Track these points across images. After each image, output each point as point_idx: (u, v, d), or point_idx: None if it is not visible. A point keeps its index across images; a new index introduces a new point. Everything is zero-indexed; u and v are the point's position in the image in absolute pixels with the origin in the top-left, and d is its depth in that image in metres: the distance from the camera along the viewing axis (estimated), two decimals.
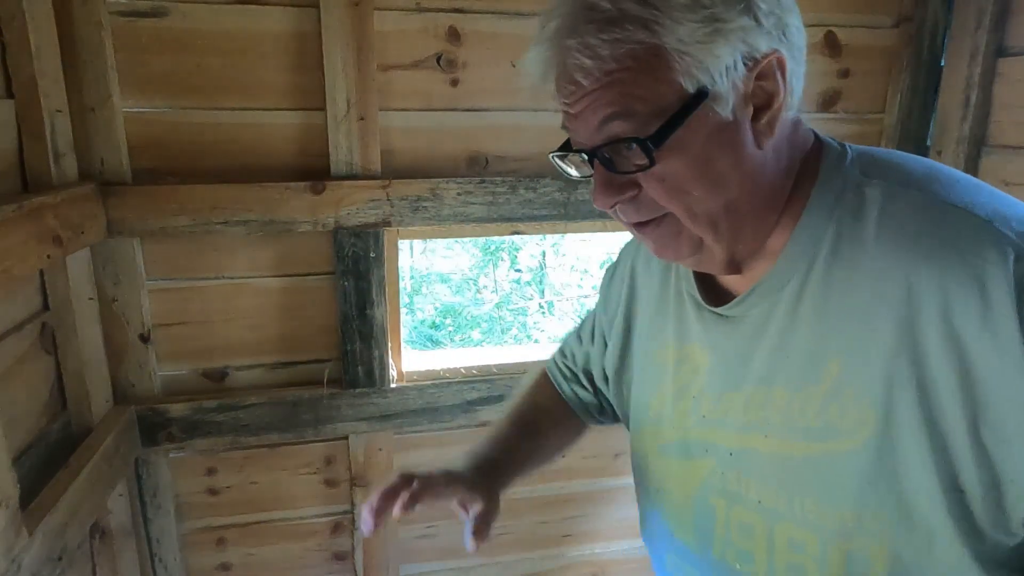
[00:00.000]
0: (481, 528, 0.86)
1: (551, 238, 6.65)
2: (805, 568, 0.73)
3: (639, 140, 0.64)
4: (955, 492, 0.63)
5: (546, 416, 1.10)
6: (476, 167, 1.62)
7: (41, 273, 1.29)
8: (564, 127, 0.74)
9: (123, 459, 1.46)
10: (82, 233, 1.29)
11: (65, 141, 1.30)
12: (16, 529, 1.02)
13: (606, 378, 1.03)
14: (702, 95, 0.64)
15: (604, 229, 1.76)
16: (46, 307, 1.31)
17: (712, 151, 0.66)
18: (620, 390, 1.00)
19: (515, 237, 6.22)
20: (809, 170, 0.73)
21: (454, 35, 1.53)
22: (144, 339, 1.52)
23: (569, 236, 6.67)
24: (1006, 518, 0.63)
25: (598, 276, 6.97)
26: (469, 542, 0.85)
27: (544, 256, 6.97)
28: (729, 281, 0.82)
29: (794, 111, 0.72)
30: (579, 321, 1.15)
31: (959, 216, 0.63)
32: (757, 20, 0.64)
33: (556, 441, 1.10)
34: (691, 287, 0.85)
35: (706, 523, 0.83)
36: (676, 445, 0.86)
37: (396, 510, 0.82)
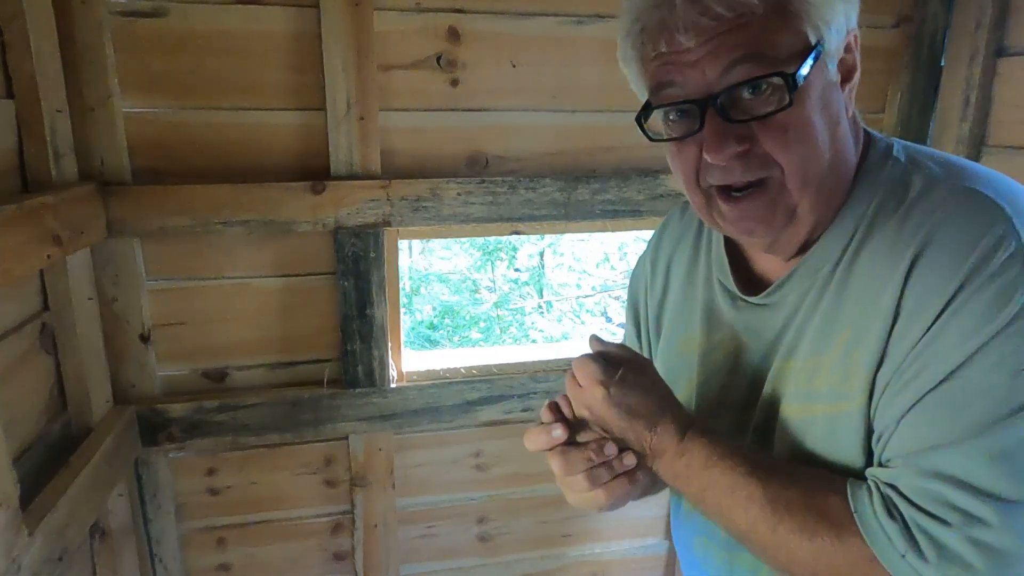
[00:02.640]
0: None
1: (549, 238, 6.65)
2: None
3: (784, 75, 0.65)
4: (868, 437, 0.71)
5: None
6: (476, 167, 1.62)
7: (41, 273, 1.29)
8: (657, 86, 0.72)
9: (123, 459, 1.46)
10: (82, 233, 1.29)
11: (65, 141, 1.30)
12: (16, 529, 1.02)
13: None
14: (819, 46, 0.67)
15: (604, 229, 1.76)
16: (46, 307, 1.31)
17: (824, 105, 0.69)
18: None
19: (513, 237, 6.23)
20: (860, 159, 0.76)
21: (454, 35, 1.53)
22: (144, 339, 1.52)
23: (567, 236, 6.67)
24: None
25: (597, 276, 6.98)
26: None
27: (542, 256, 6.97)
28: (766, 269, 0.84)
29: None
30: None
31: (983, 203, 0.66)
32: None
33: None
34: (726, 278, 0.87)
35: None
36: None
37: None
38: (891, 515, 0.64)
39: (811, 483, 0.71)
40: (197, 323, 1.56)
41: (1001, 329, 0.62)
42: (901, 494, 0.65)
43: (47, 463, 1.27)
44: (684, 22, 0.66)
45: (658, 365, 0.96)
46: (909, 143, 0.77)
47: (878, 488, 0.67)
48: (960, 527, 0.61)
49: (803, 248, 0.78)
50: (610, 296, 6.82)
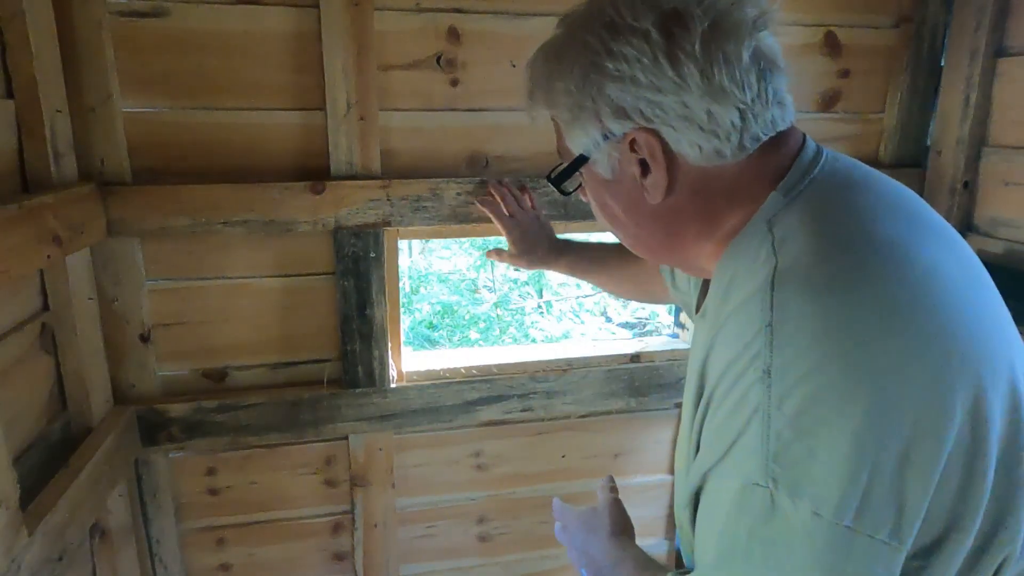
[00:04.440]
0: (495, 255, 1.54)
1: None
2: None
3: (549, 177, 0.86)
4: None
5: (628, 261, 1.40)
6: (476, 167, 1.62)
7: (41, 273, 1.29)
8: None
9: (123, 459, 1.46)
10: (82, 233, 1.29)
11: (65, 141, 1.30)
12: (16, 529, 1.02)
13: None
14: (583, 159, 0.81)
15: (604, 229, 1.75)
16: (46, 307, 1.31)
17: (605, 198, 0.83)
18: None
19: None
20: (756, 204, 0.75)
21: (454, 35, 1.53)
22: (144, 339, 1.52)
23: (567, 236, 6.66)
24: None
25: None
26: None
27: None
28: None
29: (721, 159, 0.73)
30: None
31: (762, 312, 0.67)
32: (611, 107, 0.74)
33: (626, 283, 1.48)
34: (695, 285, 0.96)
35: None
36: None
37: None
38: None
39: None
40: (197, 323, 1.56)
41: (721, 457, 0.68)
42: None
43: (47, 463, 1.27)
44: None
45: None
46: (823, 184, 0.74)
47: None
48: None
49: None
50: (610, 296, 6.82)
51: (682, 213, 0.78)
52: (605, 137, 0.76)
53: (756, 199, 0.74)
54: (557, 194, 1.63)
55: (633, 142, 0.75)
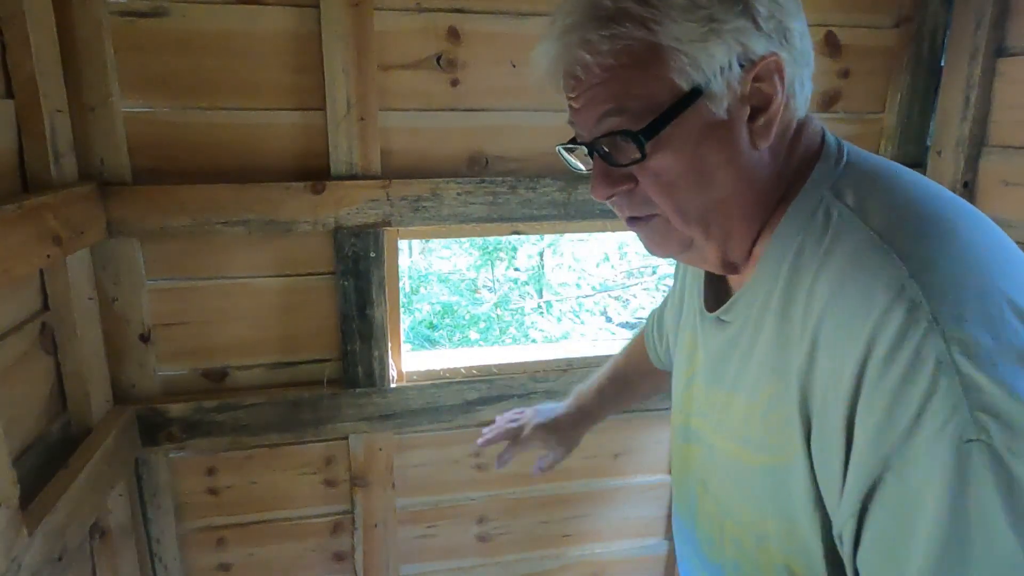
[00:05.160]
0: (547, 467, 1.34)
1: (548, 238, 6.65)
2: (742, 565, 0.78)
3: (631, 133, 0.67)
4: (821, 511, 0.66)
5: (636, 368, 1.32)
6: (476, 167, 1.62)
7: (41, 273, 1.29)
8: (570, 122, 0.76)
9: (123, 459, 1.46)
10: (82, 233, 1.29)
11: (65, 141, 1.30)
12: (16, 529, 1.02)
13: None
14: (696, 93, 0.66)
15: (604, 229, 1.76)
16: (46, 307, 1.31)
17: (705, 148, 0.68)
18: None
19: (513, 237, 6.23)
20: (803, 175, 0.72)
21: (454, 35, 1.53)
22: (144, 339, 1.52)
23: (567, 236, 6.67)
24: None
25: (597, 276, 6.97)
26: (535, 471, 1.32)
27: (542, 256, 6.97)
28: (732, 283, 0.84)
29: (802, 113, 0.72)
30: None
31: (881, 258, 0.60)
32: (755, 23, 0.65)
33: (645, 388, 1.35)
34: (699, 285, 0.88)
35: (691, 505, 0.89)
36: (681, 429, 0.92)
37: (480, 441, 1.34)
38: None
39: None
40: (197, 323, 1.56)
41: (908, 433, 0.55)
42: None
43: (47, 463, 1.27)
44: (569, 73, 0.70)
45: (673, 350, 1.03)
46: (854, 159, 0.71)
47: None
48: None
49: (748, 265, 0.77)
50: (610, 296, 6.83)
51: (764, 170, 0.71)
52: (739, 63, 0.66)
53: (801, 170, 0.72)
54: (556, 194, 1.64)
55: (761, 71, 0.67)
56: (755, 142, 0.69)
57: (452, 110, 1.58)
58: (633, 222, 0.77)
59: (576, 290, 6.73)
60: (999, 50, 1.66)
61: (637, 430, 1.91)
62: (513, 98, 1.59)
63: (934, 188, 0.67)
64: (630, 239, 6.58)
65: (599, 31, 0.65)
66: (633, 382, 1.34)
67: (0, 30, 1.16)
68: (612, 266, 6.94)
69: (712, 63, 0.65)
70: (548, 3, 1.55)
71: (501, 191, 1.59)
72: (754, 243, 0.75)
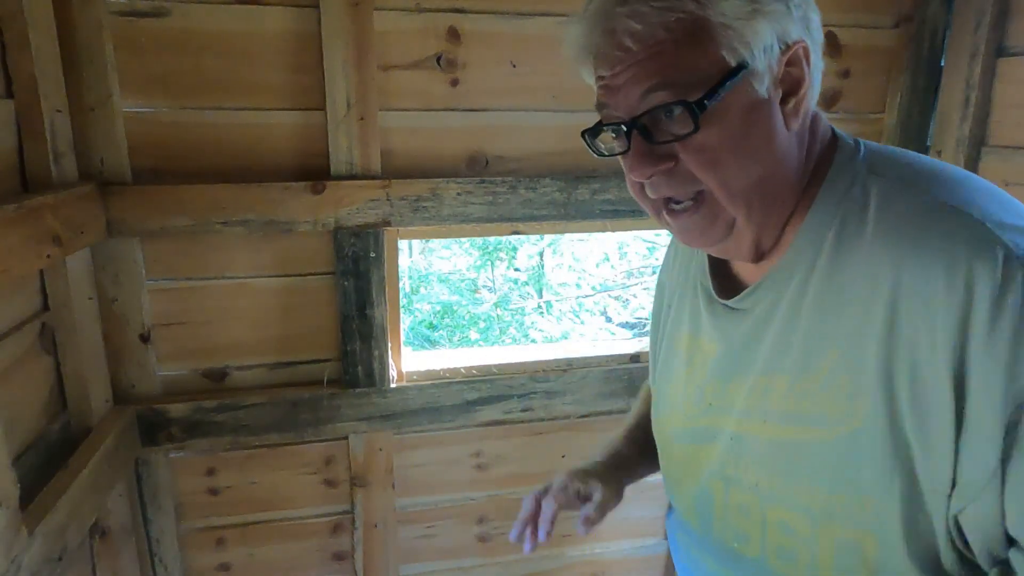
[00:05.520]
0: (594, 516, 0.96)
1: (548, 238, 6.65)
2: (796, 550, 0.76)
3: (686, 103, 0.67)
4: (912, 486, 0.66)
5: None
6: (476, 167, 1.62)
7: (41, 273, 1.29)
8: (599, 105, 0.76)
9: (123, 459, 1.46)
10: (82, 233, 1.29)
11: (65, 141, 1.30)
12: (16, 529, 1.02)
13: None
14: (741, 68, 0.68)
15: (604, 229, 1.76)
16: (46, 307, 1.31)
17: (748, 124, 0.70)
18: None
19: (513, 237, 6.23)
20: (823, 164, 0.76)
21: (454, 35, 1.53)
22: (144, 339, 1.52)
23: (567, 236, 6.67)
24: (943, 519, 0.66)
25: (597, 276, 6.98)
26: (581, 527, 0.96)
27: (542, 256, 6.97)
28: (743, 274, 0.85)
29: (814, 103, 0.76)
30: None
31: (953, 216, 0.65)
32: (789, 8, 0.69)
33: None
34: (705, 279, 0.88)
35: (705, 506, 0.87)
36: (686, 432, 0.90)
37: (542, 535, 1.00)
38: None
39: None
40: (197, 323, 1.56)
41: None
42: None
43: (47, 463, 1.27)
44: (613, 46, 0.70)
45: (660, 361, 0.99)
46: (874, 146, 0.77)
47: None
48: None
49: (773, 252, 0.79)
50: (610, 296, 6.83)
51: (795, 152, 0.75)
52: (781, 45, 0.70)
53: (820, 158, 0.77)
54: (556, 194, 1.64)
55: (793, 55, 0.71)
56: (788, 123, 0.72)
57: (452, 110, 1.58)
58: (674, 213, 0.77)
59: (576, 290, 6.73)
60: (999, 50, 1.66)
61: None
62: (513, 98, 1.59)
63: (941, 161, 0.75)
64: (630, 239, 6.58)
65: (651, 3, 0.67)
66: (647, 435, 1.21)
67: (0, 30, 1.16)
68: (612, 266, 6.94)
69: (757, 41, 0.67)
70: (548, 3, 1.55)
71: (501, 191, 1.59)
72: (787, 224, 0.77)
